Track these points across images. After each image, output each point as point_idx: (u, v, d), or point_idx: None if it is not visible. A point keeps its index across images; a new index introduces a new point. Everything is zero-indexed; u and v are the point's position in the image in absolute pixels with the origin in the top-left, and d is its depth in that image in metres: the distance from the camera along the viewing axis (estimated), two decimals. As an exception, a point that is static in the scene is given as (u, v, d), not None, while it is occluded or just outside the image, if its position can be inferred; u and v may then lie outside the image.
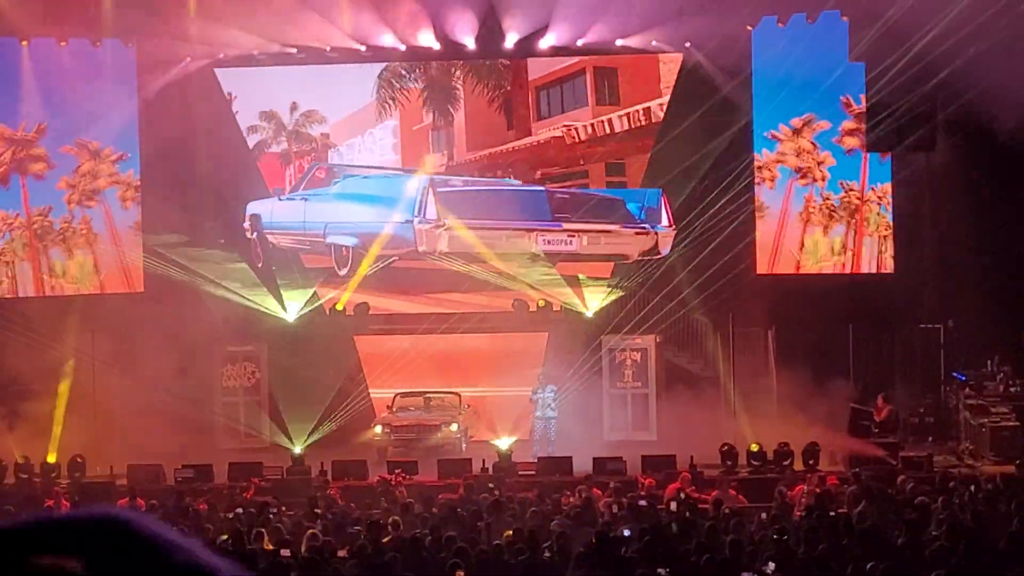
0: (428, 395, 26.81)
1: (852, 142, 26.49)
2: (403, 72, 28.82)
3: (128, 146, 27.11)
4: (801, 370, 24.65)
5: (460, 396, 26.72)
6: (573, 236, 27.01)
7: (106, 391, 25.31)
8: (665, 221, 26.90)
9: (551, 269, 27.41)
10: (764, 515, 16.28)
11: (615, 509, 16.95)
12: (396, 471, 21.51)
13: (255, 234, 28.12)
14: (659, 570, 12.07)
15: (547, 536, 13.94)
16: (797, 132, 26.56)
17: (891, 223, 26.48)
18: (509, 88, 28.52)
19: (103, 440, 24.08)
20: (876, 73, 25.24)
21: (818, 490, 18.80)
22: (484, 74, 28.46)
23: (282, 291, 27.70)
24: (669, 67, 27.33)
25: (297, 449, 24.41)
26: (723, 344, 26.21)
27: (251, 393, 27.03)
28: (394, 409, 26.51)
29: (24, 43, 26.57)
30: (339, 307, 27.92)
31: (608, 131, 27.75)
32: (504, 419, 25.82)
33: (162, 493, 20.44)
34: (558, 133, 28.25)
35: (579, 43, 26.91)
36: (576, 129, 28.03)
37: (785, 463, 22.35)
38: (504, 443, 24.17)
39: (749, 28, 26.13)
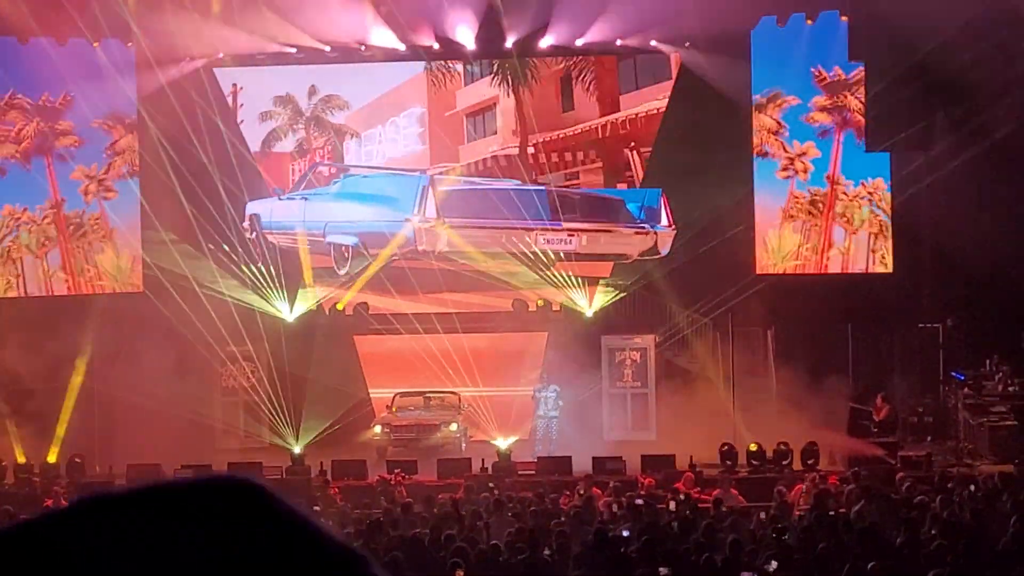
0: (428, 395, 26.82)
1: (823, 118, 26.34)
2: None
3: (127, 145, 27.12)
4: (800, 369, 24.66)
5: (460, 396, 26.73)
6: (573, 235, 27.03)
7: (105, 391, 25.29)
8: (665, 221, 26.92)
9: (550, 269, 27.40)
10: (763, 514, 16.29)
11: (615, 508, 16.97)
12: (396, 471, 21.53)
13: (254, 234, 28.12)
14: (660, 569, 12.08)
15: (547, 536, 13.95)
16: (760, 109, 26.37)
17: (884, 221, 26.44)
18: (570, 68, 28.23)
19: (102, 440, 24.09)
20: (875, 73, 25.25)
21: (817, 489, 18.82)
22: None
23: (281, 291, 27.69)
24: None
25: (297, 449, 24.43)
26: (722, 344, 26.22)
27: (251, 393, 27.01)
28: (394, 409, 26.52)
29: (23, 43, 26.56)
30: (339, 307, 27.92)
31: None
32: (504, 419, 25.83)
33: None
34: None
35: (578, 43, 26.91)
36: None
37: (784, 463, 22.36)
38: (503, 443, 24.20)
39: (748, 28, 26.11)
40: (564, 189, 27.71)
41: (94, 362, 25.45)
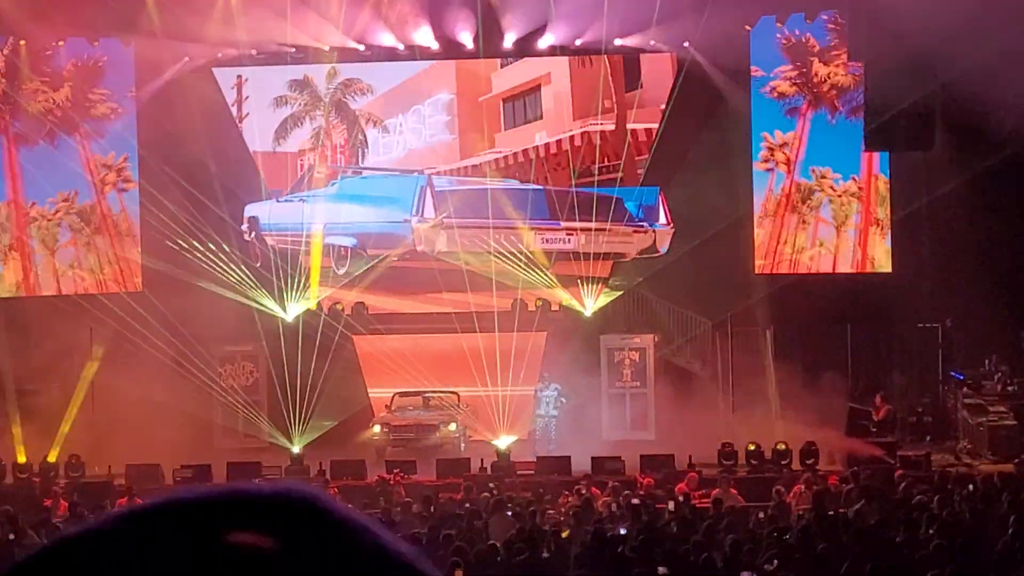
0: (427, 395, 26.81)
1: (786, 89, 26.33)
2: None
3: (126, 146, 27.11)
4: (799, 369, 24.66)
5: (459, 396, 26.71)
6: (571, 234, 27.03)
7: (104, 391, 25.28)
8: (663, 219, 26.92)
9: (549, 269, 27.40)
10: (762, 514, 16.29)
11: (614, 508, 16.96)
12: (395, 471, 21.52)
13: (253, 234, 28.12)
14: (659, 569, 12.08)
15: (546, 536, 13.95)
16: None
17: (877, 219, 26.44)
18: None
19: (101, 440, 24.07)
20: (874, 72, 25.24)
21: (814, 489, 18.81)
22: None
23: (280, 291, 27.69)
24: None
25: (296, 449, 24.42)
26: (721, 343, 26.21)
27: (250, 393, 27.00)
28: (393, 409, 26.51)
29: (22, 42, 26.58)
30: (338, 307, 27.91)
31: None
32: (503, 419, 25.82)
33: (160, 493, 20.36)
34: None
35: (577, 43, 26.90)
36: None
37: (783, 463, 22.36)
38: (503, 442, 24.19)
39: (747, 28, 26.13)
40: (562, 189, 27.68)
41: (93, 361, 25.42)
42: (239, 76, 28.17)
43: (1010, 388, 24.77)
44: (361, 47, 27.17)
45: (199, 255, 26.93)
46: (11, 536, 15.64)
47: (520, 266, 27.24)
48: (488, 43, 27.07)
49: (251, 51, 27.00)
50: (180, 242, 26.84)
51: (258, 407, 26.61)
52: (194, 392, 25.55)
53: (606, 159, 27.68)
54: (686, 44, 26.47)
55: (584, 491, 18.80)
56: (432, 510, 16.94)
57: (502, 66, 28.34)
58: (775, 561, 12.58)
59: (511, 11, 26.45)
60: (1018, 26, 22.54)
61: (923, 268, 26.51)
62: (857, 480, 19.00)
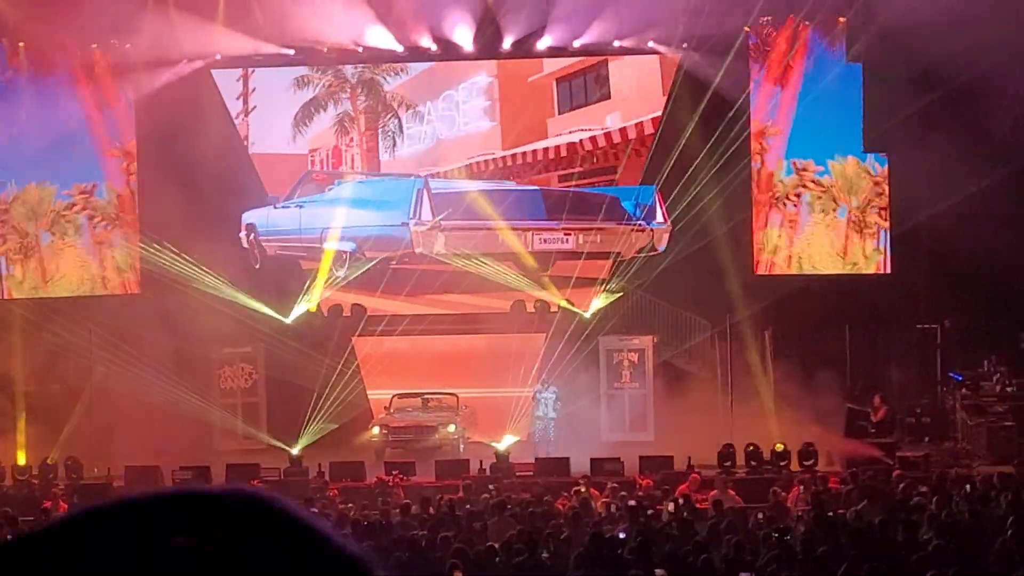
0: (426, 396, 26.81)
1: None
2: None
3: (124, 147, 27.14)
4: (798, 370, 24.68)
5: (458, 397, 26.71)
6: (569, 234, 27.02)
7: (103, 392, 25.28)
8: (660, 217, 26.91)
9: (548, 269, 27.40)
10: (760, 515, 16.30)
11: (613, 509, 16.97)
12: (394, 472, 21.53)
13: (252, 236, 28.11)
14: (656, 571, 12.08)
15: (545, 537, 13.96)
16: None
17: (881, 221, 26.48)
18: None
19: (101, 442, 24.07)
20: (873, 73, 25.27)
21: (814, 489, 18.82)
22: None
23: (279, 292, 27.69)
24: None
25: (295, 450, 24.41)
26: (720, 344, 26.21)
27: (249, 394, 27.03)
28: (392, 410, 26.51)
29: (20, 44, 26.58)
30: (337, 308, 27.93)
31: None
32: (502, 420, 25.82)
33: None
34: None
35: (576, 44, 26.91)
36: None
37: (782, 464, 22.36)
38: (502, 444, 24.19)
39: (746, 28, 26.13)
40: (559, 189, 27.66)
41: (92, 363, 25.42)
42: (245, 69, 28.09)
43: (1008, 389, 24.78)
44: (360, 49, 27.16)
45: (197, 257, 26.92)
46: (10, 537, 15.59)
47: (519, 267, 27.21)
48: (487, 44, 27.07)
49: (249, 53, 26.97)
50: (178, 244, 26.82)
51: (257, 409, 26.62)
52: (193, 394, 25.55)
53: (604, 159, 27.71)
54: (685, 45, 26.48)
55: (584, 492, 18.81)
56: (431, 512, 16.94)
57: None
58: (774, 563, 12.59)
59: (510, 13, 26.45)
60: (1016, 27, 22.57)
61: (921, 269, 26.52)
62: (856, 481, 19.00)
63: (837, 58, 26.06)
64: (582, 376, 25.90)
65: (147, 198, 26.92)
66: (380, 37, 26.83)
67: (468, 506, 17.37)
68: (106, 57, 26.65)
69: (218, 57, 27.19)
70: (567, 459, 22.42)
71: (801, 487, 19.20)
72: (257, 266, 27.95)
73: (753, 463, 22.51)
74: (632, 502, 16.93)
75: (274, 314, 27.33)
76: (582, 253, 27.16)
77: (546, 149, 28.11)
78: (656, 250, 26.99)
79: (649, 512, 16.33)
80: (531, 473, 22.14)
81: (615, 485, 19.43)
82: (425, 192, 26.51)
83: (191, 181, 26.21)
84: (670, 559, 12.51)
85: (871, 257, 26.52)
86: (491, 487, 19.51)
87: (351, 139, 28.77)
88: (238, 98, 28.30)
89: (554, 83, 27.81)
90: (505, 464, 22.58)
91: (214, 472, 22.37)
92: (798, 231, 26.70)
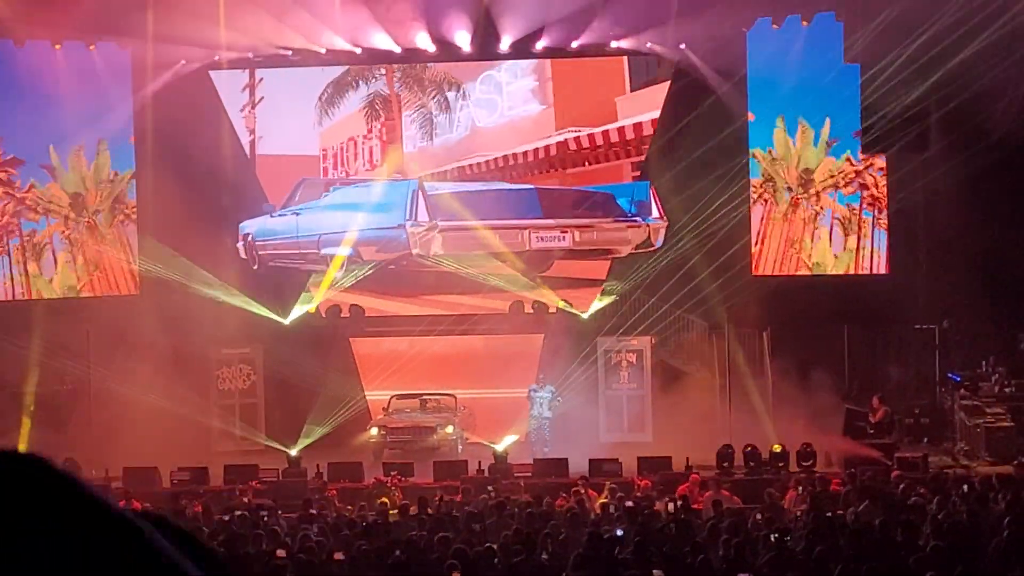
0: (424, 397, 26.80)
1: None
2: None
3: (123, 148, 27.09)
4: (796, 371, 24.67)
5: (456, 398, 26.71)
6: (565, 232, 26.98)
7: (101, 394, 25.27)
8: (656, 213, 26.88)
9: (547, 269, 27.38)
10: (759, 516, 16.29)
11: (611, 510, 16.97)
12: (392, 473, 21.52)
13: (251, 239, 28.07)
14: (654, 572, 12.08)
15: (544, 538, 13.95)
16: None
17: (875, 219, 26.48)
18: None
19: (98, 443, 24.05)
20: (871, 74, 25.27)
21: (812, 490, 18.81)
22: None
23: (277, 293, 27.66)
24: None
25: (293, 451, 24.40)
26: (718, 345, 26.21)
27: (247, 395, 27.02)
28: (390, 411, 26.51)
29: (18, 45, 26.58)
30: (336, 309, 27.91)
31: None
32: (500, 421, 25.82)
33: (158, 496, 20.44)
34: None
35: (573, 45, 26.90)
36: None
37: (780, 464, 22.37)
38: (500, 445, 24.18)
39: (744, 30, 26.14)
40: (554, 187, 27.59)
41: (90, 364, 25.41)
42: (251, 71, 27.98)
43: (1007, 390, 24.79)
44: (358, 50, 27.15)
45: (196, 258, 26.91)
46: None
47: (517, 268, 27.19)
48: (484, 45, 27.06)
49: (247, 54, 26.96)
50: (177, 244, 26.81)
51: (255, 410, 26.62)
52: (191, 395, 25.54)
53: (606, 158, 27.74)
54: (682, 46, 26.47)
55: (582, 492, 18.81)
56: (429, 512, 16.93)
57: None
58: (772, 564, 12.58)
59: (507, 13, 26.44)
60: (1013, 27, 22.58)
61: (920, 269, 26.53)
62: (854, 482, 19.00)
63: (835, 58, 26.05)
64: (580, 377, 25.90)
65: (146, 199, 26.89)
66: (378, 38, 26.81)
67: (466, 507, 17.35)
68: (105, 58, 26.63)
69: (217, 58, 27.17)
70: (565, 460, 22.42)
71: (799, 488, 19.18)
72: (255, 267, 27.93)
73: (751, 464, 22.51)
74: (630, 503, 16.94)
75: (272, 315, 27.31)
76: (579, 251, 27.13)
77: (547, 147, 28.03)
78: (653, 245, 26.97)
79: (646, 511, 16.34)
80: (529, 474, 22.14)
81: (613, 486, 19.43)
82: (420, 194, 26.46)
83: (190, 182, 26.20)
84: (668, 560, 12.51)
85: (863, 255, 26.47)
86: (489, 488, 19.50)
87: (370, 130, 28.38)
88: (243, 89, 28.12)
89: (626, 60, 27.06)
90: (503, 465, 22.58)
91: (212, 473, 22.37)
92: (796, 231, 26.69)
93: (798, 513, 16.59)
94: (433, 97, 27.98)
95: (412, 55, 27.42)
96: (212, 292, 26.63)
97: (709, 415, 24.74)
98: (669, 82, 27.11)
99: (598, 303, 27.44)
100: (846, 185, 26.57)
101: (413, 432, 25.40)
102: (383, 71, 28.03)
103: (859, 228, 26.58)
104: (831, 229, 26.67)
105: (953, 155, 25.04)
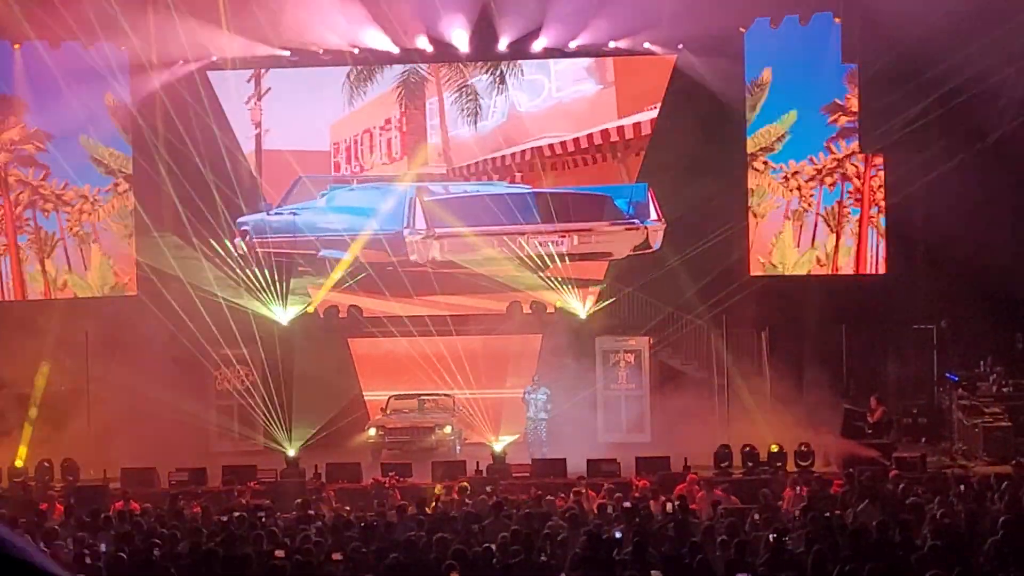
0: (422, 397, 26.81)
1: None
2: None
3: (121, 149, 27.08)
4: (794, 371, 24.70)
5: (454, 398, 26.72)
6: (564, 236, 26.98)
7: (100, 394, 25.26)
8: (654, 215, 26.88)
9: (544, 271, 27.38)
10: (757, 516, 16.29)
11: (609, 511, 16.97)
12: (390, 473, 21.52)
13: (249, 238, 28.03)
14: (651, 573, 12.08)
15: (542, 538, 13.95)
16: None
17: (877, 221, 26.50)
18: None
19: (97, 443, 24.06)
20: (868, 74, 25.28)
21: (811, 491, 18.82)
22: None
23: (275, 294, 27.65)
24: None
25: (291, 452, 24.40)
26: (717, 345, 26.21)
27: (245, 396, 27.01)
28: (388, 411, 26.52)
29: (16, 46, 26.58)
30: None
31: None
32: (498, 421, 25.81)
33: (156, 496, 20.43)
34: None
35: (571, 45, 26.91)
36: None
37: (778, 464, 22.38)
38: (498, 445, 24.18)
39: (742, 30, 26.15)
40: (551, 190, 27.53)
41: (88, 365, 25.40)
42: (257, 70, 27.78)
43: (1005, 389, 24.80)
44: (355, 50, 27.14)
45: (194, 258, 26.91)
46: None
47: (515, 270, 27.18)
48: (482, 46, 27.06)
49: (245, 54, 26.94)
50: (175, 245, 26.81)
51: (253, 410, 26.61)
52: (190, 395, 25.54)
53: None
54: (680, 46, 26.47)
55: (582, 492, 18.81)
56: (428, 512, 16.93)
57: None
58: (771, 564, 12.58)
59: (506, 14, 26.44)
60: (1011, 28, 22.58)
61: (918, 269, 26.54)
62: (852, 482, 19.00)
63: (833, 58, 26.07)
64: (578, 377, 25.89)
65: (144, 199, 26.87)
66: (376, 39, 26.80)
67: (464, 508, 17.35)
68: (103, 58, 26.62)
69: (215, 59, 27.16)
70: (564, 460, 22.42)
71: (797, 488, 19.18)
72: (253, 268, 27.90)
73: (750, 464, 22.53)
74: (628, 503, 16.94)
75: (271, 316, 27.30)
76: (578, 254, 27.14)
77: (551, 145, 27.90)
78: (651, 248, 26.98)
79: (643, 511, 16.35)
80: (528, 474, 22.14)
81: (611, 486, 19.43)
82: (418, 201, 26.38)
83: (188, 182, 26.20)
84: (666, 560, 12.51)
85: (847, 253, 26.46)
86: (488, 489, 19.49)
87: (387, 121, 27.84)
88: (249, 80, 28.00)
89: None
90: (502, 465, 22.59)
91: (210, 473, 22.37)
92: (793, 231, 26.70)
93: (796, 513, 16.56)
94: (486, 71, 27.19)
95: (410, 56, 27.40)
96: (210, 292, 26.61)
97: (707, 415, 24.75)
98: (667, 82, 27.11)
99: (596, 303, 27.42)
100: (827, 175, 26.50)
101: (411, 432, 25.42)
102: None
103: (839, 224, 26.51)
104: (815, 227, 26.63)
105: (951, 154, 25.04)
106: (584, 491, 19.07)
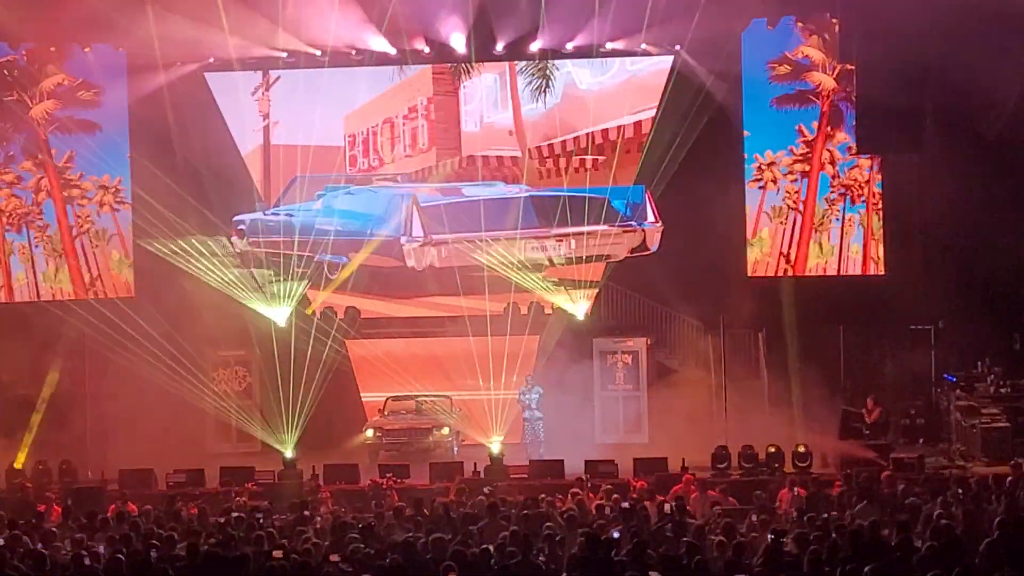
0: (419, 399, 26.81)
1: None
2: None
3: (118, 149, 27.07)
4: (792, 372, 24.71)
5: (451, 399, 26.72)
6: (561, 240, 26.95)
7: (97, 395, 25.26)
8: (651, 217, 26.85)
9: (542, 273, 27.36)
10: (754, 517, 16.30)
11: (607, 511, 16.96)
12: (387, 475, 21.52)
13: (246, 240, 28.02)
14: (651, 573, 12.08)
15: (540, 539, 13.94)
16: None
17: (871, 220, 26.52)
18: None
19: (95, 444, 24.06)
20: (865, 74, 25.27)
21: (809, 491, 18.83)
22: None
23: (272, 295, 27.63)
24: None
25: (288, 453, 24.39)
26: (714, 346, 26.22)
27: (242, 397, 27.05)
28: (385, 413, 26.52)
29: (14, 47, 26.57)
30: (331, 311, 27.87)
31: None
32: (496, 422, 25.81)
33: (154, 498, 20.41)
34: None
35: (569, 46, 26.89)
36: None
37: (776, 465, 22.39)
38: (496, 446, 24.18)
39: (739, 30, 26.13)
40: (549, 193, 27.48)
41: (86, 367, 25.39)
42: (266, 73, 27.54)
43: (1003, 390, 24.81)
44: (353, 52, 27.12)
45: (192, 259, 26.91)
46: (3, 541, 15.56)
47: (513, 272, 27.16)
48: (480, 47, 27.03)
49: (243, 56, 26.91)
50: (173, 246, 26.81)
51: (251, 411, 26.62)
52: (187, 397, 25.54)
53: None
54: (677, 47, 26.47)
55: (580, 493, 18.81)
56: (425, 513, 16.93)
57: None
58: (768, 564, 12.59)
59: (503, 15, 26.42)
60: (1008, 27, 22.58)
61: (915, 270, 26.54)
62: (850, 483, 19.00)
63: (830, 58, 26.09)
64: (576, 378, 25.89)
65: (141, 200, 26.85)
66: (373, 40, 26.77)
67: (461, 508, 17.34)
68: (101, 59, 26.63)
69: (211, 60, 27.13)
70: (561, 461, 22.43)
71: (795, 489, 19.17)
72: (251, 268, 27.88)
73: (747, 465, 22.54)
74: (626, 504, 16.94)
75: (268, 317, 27.27)
76: (576, 257, 27.09)
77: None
78: (648, 249, 26.97)
79: (639, 511, 16.36)
80: (525, 475, 22.14)
81: (609, 487, 19.44)
82: (415, 208, 26.29)
83: (185, 183, 26.19)
84: (664, 561, 12.51)
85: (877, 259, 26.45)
86: (486, 490, 19.48)
87: (412, 108, 27.06)
88: (256, 70, 27.95)
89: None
90: (499, 466, 22.58)
91: (208, 475, 22.37)
92: (792, 231, 26.70)
93: (794, 514, 16.57)
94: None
95: (407, 56, 27.38)
96: (207, 294, 26.59)
97: (705, 416, 24.76)
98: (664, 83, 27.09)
99: (593, 304, 27.39)
100: (793, 164, 26.50)
101: (409, 434, 25.43)
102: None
103: (809, 220, 26.51)
104: (792, 225, 26.64)
105: (948, 155, 25.04)
106: (583, 492, 19.05)
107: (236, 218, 27.76)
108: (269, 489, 21.34)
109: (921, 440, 25.09)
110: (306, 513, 17.05)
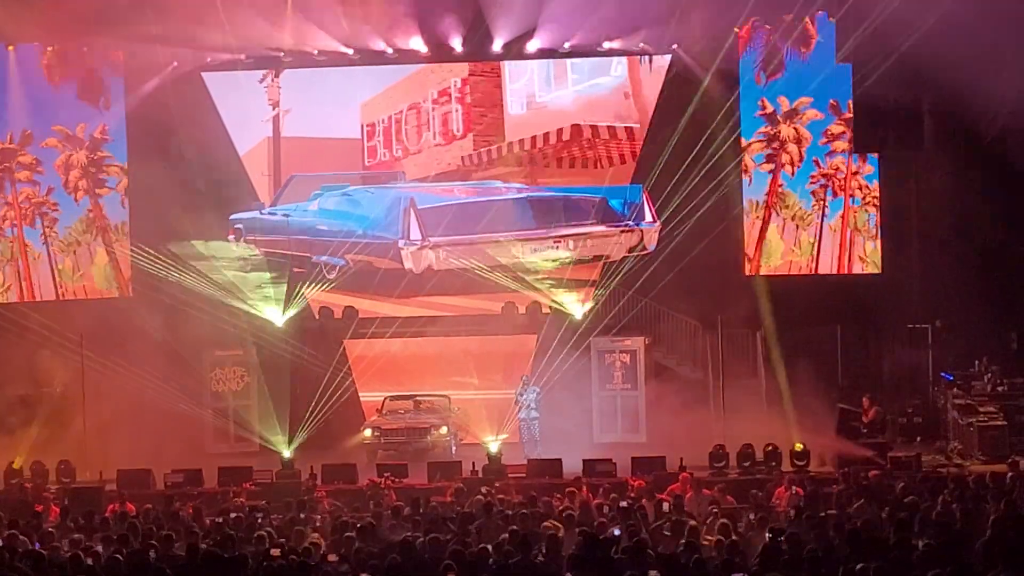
0: (418, 398, 26.81)
1: (840, 146, 26.41)
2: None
3: (116, 150, 27.07)
4: (789, 371, 24.72)
5: (450, 399, 26.73)
6: (559, 242, 26.92)
7: (95, 396, 25.25)
8: (649, 217, 26.83)
9: (540, 273, 27.37)
10: (752, 516, 16.32)
11: (605, 510, 16.98)
12: (385, 474, 21.51)
13: (240, 240, 28.01)
14: (649, 572, 12.09)
15: (538, 538, 13.95)
16: (788, 117, 26.44)
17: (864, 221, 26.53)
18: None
19: (93, 445, 24.06)
20: (863, 74, 25.29)
21: (808, 490, 18.83)
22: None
23: (270, 295, 27.64)
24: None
25: (287, 453, 24.39)
26: (712, 345, 26.24)
27: (240, 397, 27.05)
28: (384, 412, 26.52)
29: (10, 47, 26.56)
30: (329, 311, 27.88)
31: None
32: (494, 422, 25.82)
33: (152, 498, 20.39)
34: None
35: (566, 46, 26.91)
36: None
37: (773, 464, 22.40)
38: (494, 445, 24.18)
39: (737, 30, 26.15)
40: (547, 194, 27.47)
41: (84, 367, 25.38)
42: (272, 74, 27.39)
43: (1000, 388, 24.84)
44: (350, 51, 27.13)
45: (189, 259, 26.92)
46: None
47: (511, 272, 27.15)
48: (477, 46, 27.04)
49: (240, 56, 26.93)
50: (171, 247, 26.81)
51: (249, 411, 26.62)
52: (185, 397, 25.55)
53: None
54: (675, 46, 26.48)
55: (578, 493, 18.81)
56: (423, 513, 16.93)
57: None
58: (765, 563, 12.59)
59: (500, 15, 26.43)
60: (1005, 26, 22.60)
61: (912, 269, 26.57)
62: (848, 481, 19.02)
63: (828, 58, 26.09)
64: (574, 377, 25.90)
65: (138, 201, 26.85)
66: (371, 39, 26.78)
67: (459, 508, 17.35)
68: (98, 60, 26.63)
69: (209, 60, 27.12)
70: (559, 460, 22.43)
71: (792, 488, 19.18)
72: (249, 268, 27.89)
73: (745, 464, 22.55)
74: (624, 503, 16.94)
75: (266, 316, 27.28)
76: (575, 259, 27.06)
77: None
78: (646, 249, 26.96)
79: (637, 510, 16.37)
80: (523, 475, 22.15)
81: (607, 486, 19.44)
82: (412, 211, 26.26)
83: (183, 184, 26.19)
84: (662, 560, 12.52)
85: (869, 257, 26.42)
86: (485, 490, 19.49)
87: (444, 91, 25.63)
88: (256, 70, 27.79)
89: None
90: (497, 466, 22.59)
91: (206, 475, 22.36)
92: (791, 231, 26.71)
93: (791, 513, 16.57)
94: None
95: (405, 56, 27.39)
96: (205, 294, 26.59)
97: (703, 415, 24.76)
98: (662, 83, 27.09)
99: (591, 304, 27.40)
100: (762, 150, 26.52)
101: (407, 433, 25.42)
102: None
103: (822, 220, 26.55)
104: (783, 225, 26.66)
105: (946, 154, 25.06)
106: (584, 492, 19.04)
107: (233, 217, 27.75)
108: (267, 489, 21.33)
109: (919, 439, 25.10)
110: (302, 516, 17.03)
